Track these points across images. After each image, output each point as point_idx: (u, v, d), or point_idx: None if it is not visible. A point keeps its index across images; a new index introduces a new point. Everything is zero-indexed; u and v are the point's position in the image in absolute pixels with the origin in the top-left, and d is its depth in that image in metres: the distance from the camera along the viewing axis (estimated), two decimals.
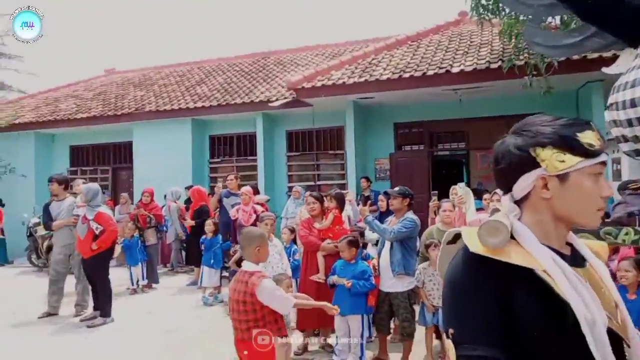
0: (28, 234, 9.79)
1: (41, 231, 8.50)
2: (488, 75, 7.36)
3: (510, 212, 1.04)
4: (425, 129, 9.48)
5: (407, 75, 7.86)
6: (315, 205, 4.63)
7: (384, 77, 8.00)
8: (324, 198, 4.79)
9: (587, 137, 0.99)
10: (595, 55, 5.96)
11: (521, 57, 6.80)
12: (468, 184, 10.53)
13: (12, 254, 10.78)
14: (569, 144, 0.98)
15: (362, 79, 8.15)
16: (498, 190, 4.34)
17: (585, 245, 1.09)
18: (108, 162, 11.97)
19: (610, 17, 2.66)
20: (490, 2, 6.45)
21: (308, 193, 5.15)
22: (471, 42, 8.89)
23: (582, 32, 2.96)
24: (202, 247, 6.51)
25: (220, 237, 6.56)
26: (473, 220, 4.57)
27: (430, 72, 7.70)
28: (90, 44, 53.31)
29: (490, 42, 8.48)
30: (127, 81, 14.17)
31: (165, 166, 10.36)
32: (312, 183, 9.94)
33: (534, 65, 6.31)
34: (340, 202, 4.78)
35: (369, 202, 7.24)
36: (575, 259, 1.03)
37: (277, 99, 9.45)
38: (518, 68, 6.65)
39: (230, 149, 10.86)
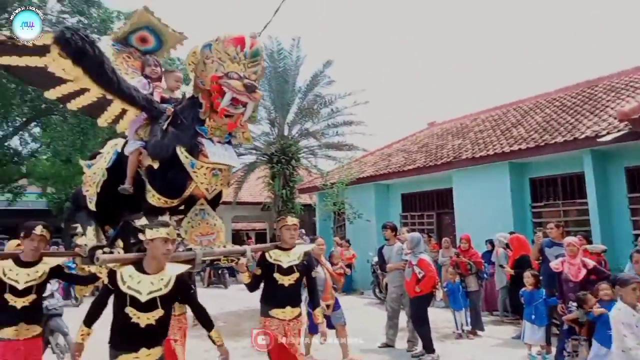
0: (372, 271, 11.75)
1: (379, 270, 10.06)
2: None
3: None
4: None
5: None
6: None
7: None
8: None
9: None
10: None
11: None
12: None
13: (361, 286, 13.11)
14: None
15: None
16: None
17: None
18: (432, 207, 13.07)
19: None
20: None
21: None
22: None
23: None
24: (522, 300, 6.27)
25: (542, 290, 6.15)
26: None
27: None
28: (415, 102, 59.96)
29: None
30: (445, 132, 15.29)
31: (484, 211, 10.49)
32: None
33: None
34: None
35: None
36: None
37: (608, 133, 8.26)
38: None
39: (554, 192, 10.04)
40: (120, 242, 4.18)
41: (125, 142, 3.84)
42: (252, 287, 4.09)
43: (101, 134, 14.87)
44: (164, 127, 3.44)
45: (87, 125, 14.43)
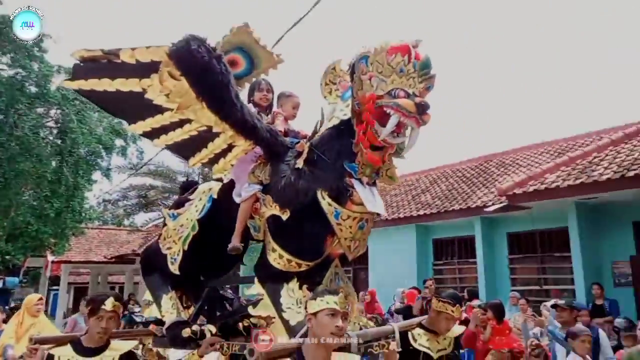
0: None
1: None
2: None
3: None
4: None
5: (631, 173, 7.27)
6: (483, 317, 4.95)
7: (604, 178, 7.58)
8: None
9: None
10: None
11: None
12: None
13: None
14: None
15: (579, 181, 7.88)
16: None
17: None
18: (349, 264, 13.99)
19: None
20: None
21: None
22: None
23: None
24: None
25: None
26: None
27: None
28: None
29: None
30: None
31: (394, 267, 11.61)
32: (537, 288, 9.53)
33: None
34: (497, 312, 4.96)
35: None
36: None
37: (493, 204, 9.81)
38: None
39: (452, 252, 11.46)
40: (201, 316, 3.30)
41: (222, 187, 3.08)
42: None
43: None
44: (296, 165, 2.64)
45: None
